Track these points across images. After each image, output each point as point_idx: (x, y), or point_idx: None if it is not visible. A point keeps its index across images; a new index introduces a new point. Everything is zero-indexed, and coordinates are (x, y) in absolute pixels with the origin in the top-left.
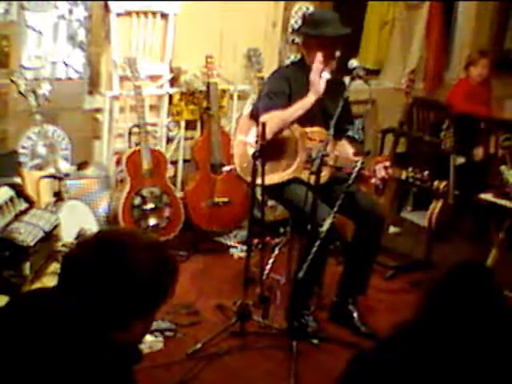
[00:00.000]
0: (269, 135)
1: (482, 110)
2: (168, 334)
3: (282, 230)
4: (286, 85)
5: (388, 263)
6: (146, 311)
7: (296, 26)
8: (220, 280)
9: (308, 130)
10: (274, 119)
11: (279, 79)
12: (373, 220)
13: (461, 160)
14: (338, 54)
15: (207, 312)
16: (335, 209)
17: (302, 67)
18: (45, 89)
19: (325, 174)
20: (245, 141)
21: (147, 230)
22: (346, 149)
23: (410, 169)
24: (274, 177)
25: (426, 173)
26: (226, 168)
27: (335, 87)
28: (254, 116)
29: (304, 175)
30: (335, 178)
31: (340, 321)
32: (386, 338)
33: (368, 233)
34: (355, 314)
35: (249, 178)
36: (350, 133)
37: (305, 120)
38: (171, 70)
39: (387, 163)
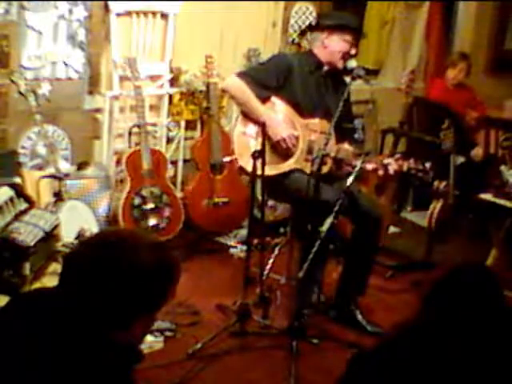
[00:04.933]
0: (232, 90)
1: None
2: (168, 333)
3: (282, 229)
4: (277, 74)
5: (388, 263)
6: (146, 311)
7: (296, 27)
8: (220, 280)
9: (308, 121)
10: (241, 88)
11: (277, 65)
12: (370, 220)
13: (461, 160)
14: (353, 51)
15: (207, 312)
16: (336, 208)
17: (309, 59)
18: (45, 89)
19: (326, 166)
20: (245, 131)
21: (147, 230)
22: (348, 149)
23: (412, 160)
24: (275, 167)
25: (428, 164)
26: (227, 158)
27: (338, 86)
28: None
29: (305, 167)
30: (335, 177)
31: (341, 321)
32: (386, 337)
33: (366, 233)
34: (359, 315)
35: (249, 169)
36: (356, 136)
37: (306, 112)
38: (171, 70)
39: (398, 155)
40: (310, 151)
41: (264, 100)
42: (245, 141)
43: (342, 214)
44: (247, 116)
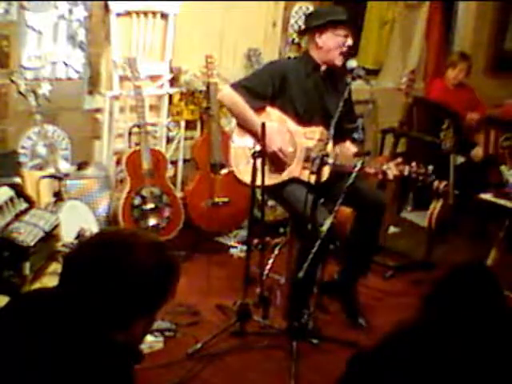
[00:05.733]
0: (226, 103)
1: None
2: (168, 334)
3: (281, 229)
4: (272, 82)
5: (388, 263)
6: (147, 311)
7: (296, 27)
8: (220, 280)
9: (306, 129)
10: (235, 100)
11: (272, 73)
12: (373, 206)
13: (461, 160)
14: (350, 42)
15: (207, 312)
16: (336, 208)
17: (306, 62)
18: (45, 89)
19: (325, 173)
20: (242, 143)
21: (147, 230)
22: (348, 148)
23: (414, 164)
24: (273, 177)
25: (430, 167)
26: (224, 170)
27: (338, 85)
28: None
29: (303, 175)
30: (336, 175)
31: (332, 294)
32: (386, 337)
33: (368, 218)
34: (355, 305)
35: (246, 179)
36: (356, 136)
37: (305, 119)
38: (171, 70)
39: (399, 160)
40: (307, 159)
41: (259, 110)
42: (241, 153)
43: (344, 203)
44: (243, 128)
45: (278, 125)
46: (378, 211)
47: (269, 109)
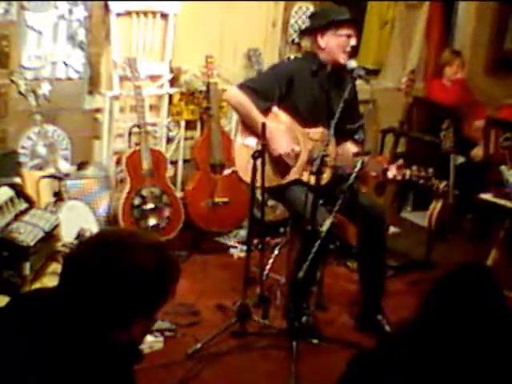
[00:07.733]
0: (232, 103)
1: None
2: (168, 334)
3: (282, 229)
4: (279, 84)
5: (388, 263)
6: (146, 311)
7: (296, 27)
8: (220, 280)
9: (310, 130)
10: (241, 101)
11: (279, 75)
12: (372, 220)
13: (461, 160)
14: (353, 42)
15: (207, 312)
16: (336, 208)
17: (311, 61)
18: (45, 89)
19: (326, 176)
20: (245, 143)
21: (147, 230)
22: (349, 148)
23: (414, 167)
24: (276, 179)
25: (431, 170)
26: (228, 171)
27: (344, 85)
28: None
29: (305, 176)
30: (336, 176)
31: (369, 329)
32: (386, 337)
33: (370, 233)
34: (386, 326)
35: (249, 179)
36: (356, 136)
37: (310, 120)
38: (171, 70)
39: (400, 162)
40: (309, 160)
41: (265, 111)
42: (245, 153)
43: (343, 215)
44: (247, 127)
45: (283, 126)
46: (378, 226)
47: (275, 109)
